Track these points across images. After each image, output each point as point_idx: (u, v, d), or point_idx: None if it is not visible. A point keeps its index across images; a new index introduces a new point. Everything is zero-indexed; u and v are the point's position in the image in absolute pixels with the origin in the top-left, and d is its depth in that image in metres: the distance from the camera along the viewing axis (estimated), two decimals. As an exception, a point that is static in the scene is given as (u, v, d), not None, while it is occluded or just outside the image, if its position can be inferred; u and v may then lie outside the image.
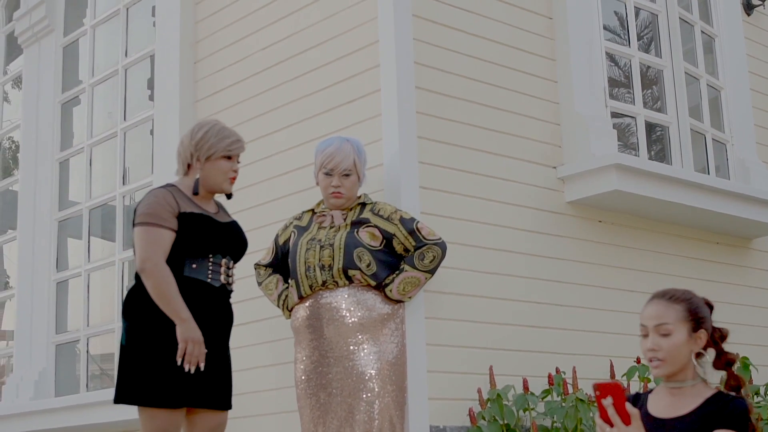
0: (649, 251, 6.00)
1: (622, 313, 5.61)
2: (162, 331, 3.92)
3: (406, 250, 4.59)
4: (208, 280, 4.05)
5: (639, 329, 3.05)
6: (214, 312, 4.07)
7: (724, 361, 3.06)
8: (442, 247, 4.60)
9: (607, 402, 2.73)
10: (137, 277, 4.06)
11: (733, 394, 2.96)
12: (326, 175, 4.63)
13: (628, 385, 5.09)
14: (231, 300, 4.23)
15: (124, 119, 6.82)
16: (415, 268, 4.55)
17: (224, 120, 5.78)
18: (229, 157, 4.18)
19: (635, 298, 4.99)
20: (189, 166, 4.18)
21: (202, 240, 4.05)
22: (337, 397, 4.42)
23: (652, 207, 5.86)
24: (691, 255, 6.27)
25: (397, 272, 4.55)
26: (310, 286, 4.53)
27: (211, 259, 4.07)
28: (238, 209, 5.49)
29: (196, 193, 4.13)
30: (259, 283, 4.86)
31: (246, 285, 5.15)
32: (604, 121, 5.81)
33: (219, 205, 4.31)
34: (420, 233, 4.57)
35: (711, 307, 3.10)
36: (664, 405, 3.01)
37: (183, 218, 4.03)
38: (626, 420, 2.71)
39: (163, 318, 3.92)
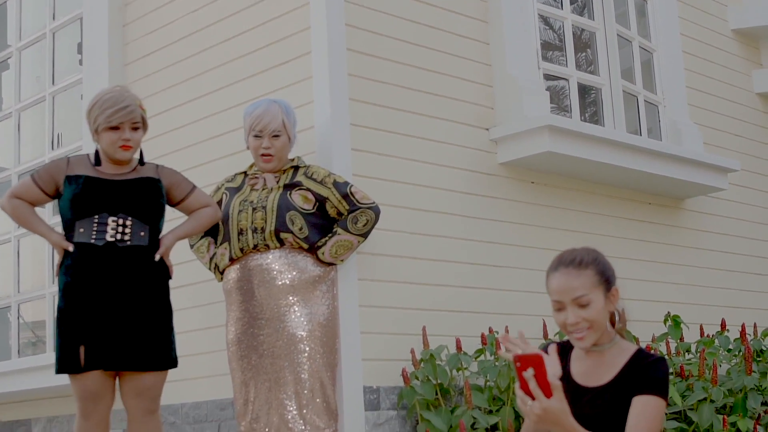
0: (581, 212, 6.04)
1: (555, 273, 5.63)
2: (61, 299, 3.99)
3: (339, 213, 4.57)
4: (92, 241, 3.99)
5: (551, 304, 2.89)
6: (108, 271, 3.98)
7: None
8: (376, 211, 4.59)
9: (528, 374, 2.60)
10: None
11: (652, 353, 2.88)
12: (256, 138, 4.60)
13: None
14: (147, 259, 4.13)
15: (53, 83, 6.71)
16: (348, 231, 4.54)
17: (153, 83, 5.75)
18: (115, 127, 4.05)
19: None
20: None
21: (82, 200, 4.01)
22: (268, 358, 4.41)
23: (585, 168, 5.89)
24: (624, 215, 6.32)
25: (330, 235, 4.53)
26: (242, 249, 4.50)
27: (96, 219, 4.00)
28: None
29: (97, 164, 4.11)
30: (191, 246, 4.82)
31: (177, 249, 5.09)
32: (536, 83, 5.81)
33: (149, 166, 4.23)
34: (354, 197, 4.56)
35: None
36: (585, 369, 2.95)
37: (68, 181, 4.06)
38: (548, 393, 2.59)
39: (62, 287, 3.99)
